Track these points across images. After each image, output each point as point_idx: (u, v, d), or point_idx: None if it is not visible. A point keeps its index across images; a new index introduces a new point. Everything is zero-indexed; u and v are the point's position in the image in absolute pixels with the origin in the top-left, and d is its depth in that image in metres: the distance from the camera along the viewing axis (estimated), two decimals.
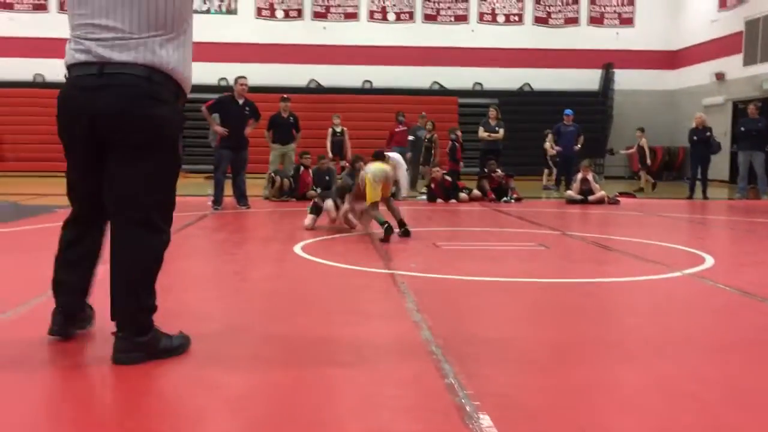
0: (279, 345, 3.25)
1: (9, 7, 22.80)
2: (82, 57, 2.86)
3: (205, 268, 5.65)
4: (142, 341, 2.88)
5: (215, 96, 11.22)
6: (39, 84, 22.02)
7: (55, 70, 20.96)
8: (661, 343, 3.39)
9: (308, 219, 7.81)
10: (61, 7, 22.97)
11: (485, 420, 2.33)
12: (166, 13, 2.84)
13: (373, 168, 7.49)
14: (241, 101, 10.24)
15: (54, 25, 22.56)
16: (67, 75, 2.96)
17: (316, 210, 7.87)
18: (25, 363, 2.95)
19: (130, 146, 2.84)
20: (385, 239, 6.79)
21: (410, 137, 14.47)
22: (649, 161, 16.68)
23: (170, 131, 2.94)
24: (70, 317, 3.16)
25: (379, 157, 12.45)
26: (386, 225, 6.94)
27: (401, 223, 7.29)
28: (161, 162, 2.92)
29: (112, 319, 2.92)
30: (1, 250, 6.17)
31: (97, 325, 3.29)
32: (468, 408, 2.43)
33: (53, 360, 3.00)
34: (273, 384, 2.71)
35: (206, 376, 2.77)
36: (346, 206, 7.65)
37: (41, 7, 22.89)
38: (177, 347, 3.02)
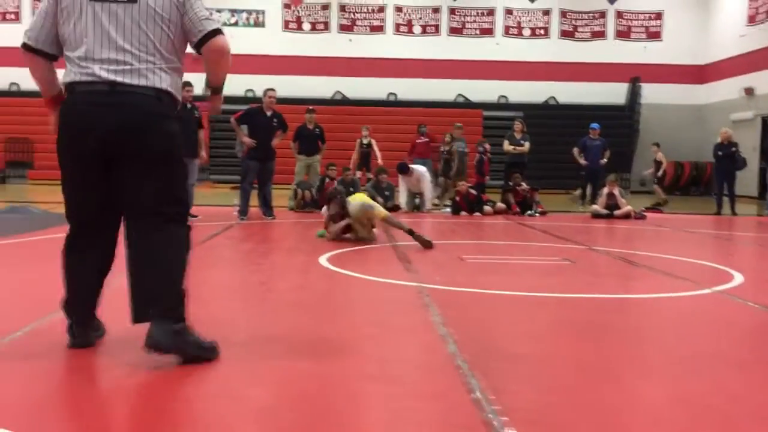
0: (305, 356, 3.26)
1: None
2: (89, 78, 3.01)
3: (231, 278, 5.69)
4: (177, 329, 2.96)
5: (243, 107, 11.34)
6: None
7: None
8: (689, 360, 3.35)
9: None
10: None
11: None
12: (166, 44, 3.08)
13: (352, 204, 7.75)
14: (269, 113, 10.35)
15: None
16: (70, 91, 3.08)
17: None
18: (52, 368, 2.99)
19: (145, 158, 3.02)
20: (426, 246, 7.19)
21: (443, 148, 14.30)
22: (660, 174, 16.43)
23: (178, 144, 3.16)
24: (82, 325, 3.23)
25: (403, 169, 12.51)
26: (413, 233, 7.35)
27: (410, 232, 7.46)
28: (174, 169, 3.12)
29: (136, 321, 3.01)
30: (32, 258, 6.26)
31: (120, 334, 3.33)
32: (495, 423, 2.42)
33: (80, 367, 3.04)
34: (299, 395, 2.72)
35: (232, 386, 2.78)
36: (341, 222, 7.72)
37: None
38: (207, 348, 3.07)
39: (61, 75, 3.16)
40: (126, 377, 2.91)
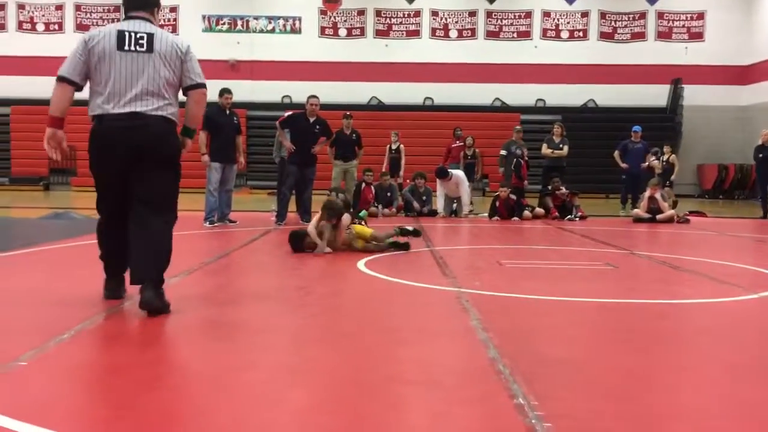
0: (345, 360, 3.24)
1: (85, 28, 23.80)
2: (118, 110, 4.07)
3: (270, 283, 5.70)
4: (161, 293, 4.04)
5: (280, 113, 11.41)
6: None
7: None
8: (739, 368, 3.25)
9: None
10: None
11: None
12: (171, 83, 4.19)
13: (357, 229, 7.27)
14: (311, 119, 10.37)
15: None
16: (99, 121, 4.12)
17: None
18: (95, 370, 3.02)
19: (158, 162, 4.12)
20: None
21: (502, 152, 14.07)
22: (673, 177, 15.96)
23: (179, 153, 4.31)
24: (119, 282, 4.40)
25: (443, 173, 12.44)
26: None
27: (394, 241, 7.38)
28: (176, 171, 4.27)
29: (135, 282, 4.03)
30: (73, 263, 6.36)
31: (159, 334, 3.35)
32: (539, 429, 2.37)
33: (118, 366, 3.06)
34: (340, 399, 2.70)
35: (273, 389, 2.78)
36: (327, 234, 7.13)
37: None
38: (167, 306, 4.05)
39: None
40: (164, 379, 2.93)
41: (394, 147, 14.77)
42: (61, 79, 4.10)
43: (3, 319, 4.00)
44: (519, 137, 14.01)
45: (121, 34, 4.10)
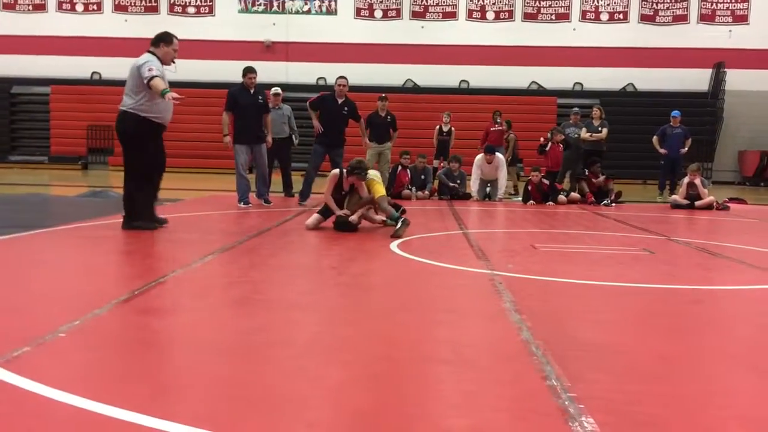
0: (378, 340, 3.25)
1: (124, 9, 24.04)
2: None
3: (302, 262, 5.73)
4: (133, 224, 6.72)
5: (314, 95, 11.42)
6: None
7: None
8: None
9: (312, 218, 7.45)
10: (171, 9, 23.99)
11: (590, 424, 2.24)
12: (134, 86, 6.69)
13: (373, 173, 7.90)
14: (340, 100, 10.33)
15: (165, 27, 23.62)
16: None
17: (325, 212, 7.49)
18: (126, 345, 3.07)
19: (122, 140, 6.87)
20: (397, 234, 6.91)
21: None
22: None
23: (126, 135, 6.77)
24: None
25: (489, 151, 12.40)
26: (402, 219, 7.14)
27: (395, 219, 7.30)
28: (127, 148, 6.84)
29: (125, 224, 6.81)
30: (110, 240, 6.47)
31: (206, 319, 3.36)
32: (572, 410, 2.35)
33: (157, 342, 3.10)
34: (374, 377, 2.71)
35: (308, 365, 2.80)
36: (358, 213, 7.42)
37: (153, 9, 24.01)
38: (146, 227, 6.69)
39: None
40: (200, 354, 2.96)
41: (445, 129, 14.58)
42: None
43: (42, 292, 4.09)
44: (575, 119, 13.94)
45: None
